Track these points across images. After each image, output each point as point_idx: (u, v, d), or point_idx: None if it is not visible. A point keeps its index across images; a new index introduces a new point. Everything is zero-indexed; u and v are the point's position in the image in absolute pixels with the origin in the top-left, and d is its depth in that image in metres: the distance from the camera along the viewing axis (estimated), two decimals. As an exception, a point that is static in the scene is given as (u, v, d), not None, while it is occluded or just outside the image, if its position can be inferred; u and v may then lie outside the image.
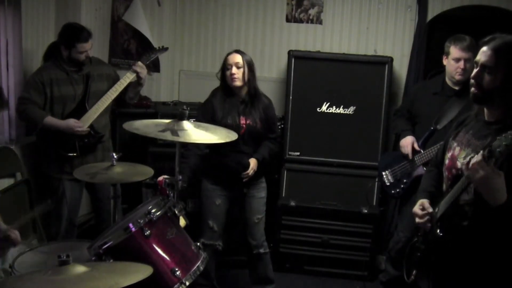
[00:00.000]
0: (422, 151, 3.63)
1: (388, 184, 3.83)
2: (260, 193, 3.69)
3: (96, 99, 3.72)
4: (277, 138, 3.76)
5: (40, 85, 3.62)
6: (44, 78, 3.64)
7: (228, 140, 2.84)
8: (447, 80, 3.66)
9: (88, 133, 3.69)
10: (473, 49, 3.46)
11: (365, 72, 4.33)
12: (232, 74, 3.47)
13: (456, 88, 3.60)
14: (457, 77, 3.55)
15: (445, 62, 3.63)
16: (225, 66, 3.52)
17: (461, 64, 3.51)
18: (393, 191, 3.81)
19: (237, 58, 3.49)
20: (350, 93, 4.36)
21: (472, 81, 2.09)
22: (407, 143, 3.69)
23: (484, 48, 2.05)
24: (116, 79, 3.84)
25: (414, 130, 3.77)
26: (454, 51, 3.52)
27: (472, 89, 2.09)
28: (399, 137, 3.83)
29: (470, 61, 3.47)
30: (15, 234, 2.64)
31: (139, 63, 3.80)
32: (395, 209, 4.33)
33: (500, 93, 2.02)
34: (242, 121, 3.52)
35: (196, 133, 2.75)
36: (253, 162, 3.54)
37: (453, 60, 3.53)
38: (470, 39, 3.52)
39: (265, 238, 3.73)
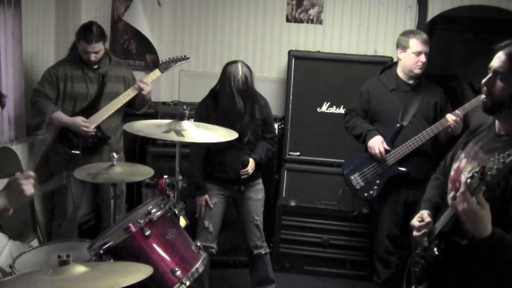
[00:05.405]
0: (391, 150, 3.59)
1: (358, 188, 3.72)
2: (257, 194, 3.66)
3: (110, 100, 3.73)
4: (274, 138, 3.73)
5: (54, 79, 3.68)
6: (60, 72, 3.69)
7: (229, 138, 2.83)
8: (400, 74, 3.65)
9: (94, 134, 3.69)
10: (429, 44, 3.57)
11: (365, 72, 4.32)
12: None
13: (411, 82, 3.62)
14: (417, 70, 3.56)
15: (400, 56, 3.62)
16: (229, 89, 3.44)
17: (422, 57, 3.52)
18: (365, 194, 3.70)
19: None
20: (350, 93, 4.34)
21: (484, 88, 1.95)
22: (377, 143, 3.59)
23: (499, 54, 1.91)
24: (132, 84, 3.81)
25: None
26: (415, 44, 3.52)
27: (483, 96, 1.96)
28: (364, 138, 3.68)
29: (427, 55, 3.54)
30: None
31: (145, 80, 3.74)
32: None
33: (511, 102, 1.87)
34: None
35: (198, 133, 2.75)
36: (251, 162, 3.52)
37: (414, 53, 3.53)
38: (425, 33, 3.60)
39: (264, 239, 3.71)
